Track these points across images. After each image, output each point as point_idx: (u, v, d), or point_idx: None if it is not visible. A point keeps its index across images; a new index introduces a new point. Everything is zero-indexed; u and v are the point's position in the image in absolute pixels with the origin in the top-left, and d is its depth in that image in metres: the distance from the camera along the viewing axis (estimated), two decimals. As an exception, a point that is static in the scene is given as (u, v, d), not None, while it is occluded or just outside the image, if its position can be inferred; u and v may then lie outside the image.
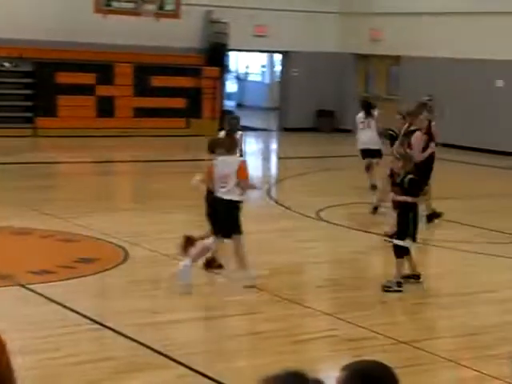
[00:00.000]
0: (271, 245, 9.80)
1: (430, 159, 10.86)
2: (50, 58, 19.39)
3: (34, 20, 19.07)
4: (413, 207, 8.10)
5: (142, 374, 5.83)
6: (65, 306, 7.17)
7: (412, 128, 10.23)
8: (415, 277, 8.25)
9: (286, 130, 22.63)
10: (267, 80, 29.56)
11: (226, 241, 8.06)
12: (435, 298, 8.20)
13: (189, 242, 8.34)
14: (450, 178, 13.98)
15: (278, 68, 25.24)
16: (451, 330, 7.07)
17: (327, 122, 22.52)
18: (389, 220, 9.23)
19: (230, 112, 12.53)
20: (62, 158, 16.69)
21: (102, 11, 19.86)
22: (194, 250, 8.07)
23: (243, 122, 24.37)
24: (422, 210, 9.57)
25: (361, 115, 13.07)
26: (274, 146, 22.42)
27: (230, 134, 9.01)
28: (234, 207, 7.97)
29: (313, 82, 22.16)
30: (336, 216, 11.47)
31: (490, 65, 18.58)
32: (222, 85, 21.79)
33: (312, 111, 22.51)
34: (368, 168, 12.98)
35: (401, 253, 8.06)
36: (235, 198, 7.99)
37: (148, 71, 20.27)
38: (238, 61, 29.64)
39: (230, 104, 25.08)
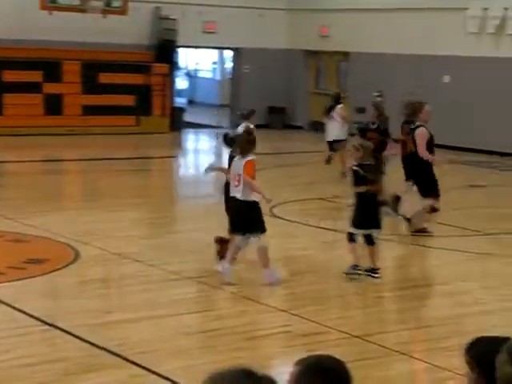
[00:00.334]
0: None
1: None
2: (-5, 55, 19.05)
3: (-22, 17, 18.70)
4: (364, 197, 8.21)
5: (94, 375, 5.75)
6: (14, 308, 7.03)
7: (417, 124, 10.22)
8: (356, 267, 8.35)
9: (237, 126, 22.56)
10: (218, 77, 29.49)
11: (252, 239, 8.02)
12: (388, 292, 8.27)
13: (222, 242, 8.40)
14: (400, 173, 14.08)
15: (229, 65, 25.19)
16: (403, 323, 7.12)
17: (278, 119, 22.57)
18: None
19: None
20: (10, 157, 16.38)
21: (47, 8, 19.54)
22: (228, 253, 8.08)
23: (194, 119, 24.38)
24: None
25: (341, 106, 14.19)
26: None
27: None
28: (246, 206, 7.91)
29: (264, 78, 22.18)
30: (289, 212, 11.47)
31: (438, 60, 18.82)
32: (172, 82, 21.65)
33: (263, 108, 22.51)
34: (329, 160, 13.32)
35: (350, 239, 8.34)
36: (247, 198, 7.91)
37: (96, 68, 20.02)
38: (188, 58, 29.50)
39: (180, 101, 24.94)
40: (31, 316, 6.82)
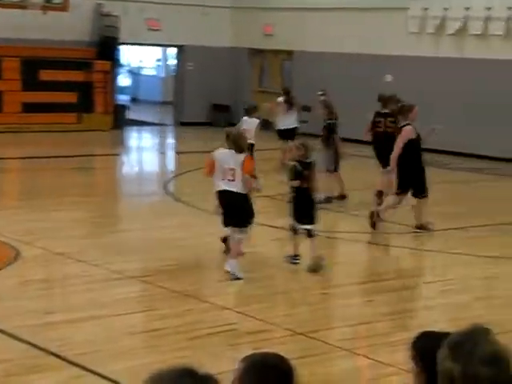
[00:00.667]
0: (169, 240, 9.69)
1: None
2: None
3: None
4: (300, 192, 8.54)
5: (36, 376, 5.64)
6: (-49, 310, 6.85)
7: (406, 122, 10.51)
8: (295, 257, 8.73)
9: (181, 124, 22.49)
10: (162, 74, 29.30)
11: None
12: (332, 288, 8.32)
13: (227, 241, 8.59)
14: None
15: (173, 62, 25.04)
16: (347, 319, 7.17)
17: (223, 117, 22.52)
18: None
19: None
20: None
21: (-14, 4, 19.14)
22: (232, 250, 8.28)
23: (138, 117, 24.18)
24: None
25: (280, 99, 15.01)
26: (169, 140, 22.24)
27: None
28: (243, 200, 8.20)
29: (208, 76, 22.11)
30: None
31: (380, 60, 19.03)
32: (114, 79, 21.43)
33: (207, 105, 22.47)
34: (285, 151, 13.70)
35: (291, 231, 8.76)
36: (243, 191, 8.18)
37: (37, 65, 19.67)
38: (131, 55, 29.24)
39: (123, 98, 24.70)
40: (-31, 318, 6.66)
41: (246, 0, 22.12)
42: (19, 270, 8.27)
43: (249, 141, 9.61)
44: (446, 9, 17.99)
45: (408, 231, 10.68)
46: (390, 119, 11.85)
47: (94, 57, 20.64)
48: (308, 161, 8.63)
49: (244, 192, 8.15)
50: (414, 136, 10.41)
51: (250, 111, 13.50)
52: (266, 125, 21.04)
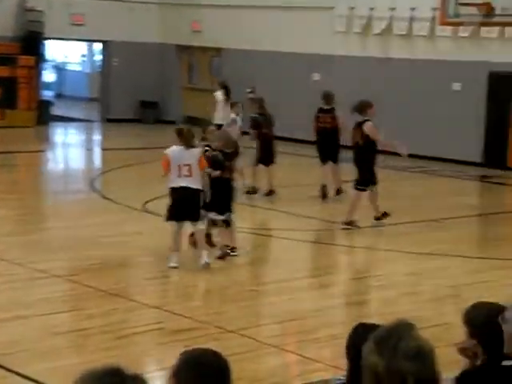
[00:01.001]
0: (95, 239, 9.52)
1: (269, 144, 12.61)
2: None
3: None
4: (218, 182, 8.70)
5: (-45, 380, 5.46)
6: None
7: (365, 118, 10.70)
8: (226, 247, 8.87)
9: (108, 120, 22.18)
10: (87, 70, 28.85)
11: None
12: (260, 286, 8.33)
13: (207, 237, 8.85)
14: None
15: (99, 58, 24.68)
16: (275, 317, 7.18)
17: (150, 113, 22.33)
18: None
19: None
20: None
21: None
22: (200, 242, 8.53)
23: (63, 113, 23.71)
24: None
25: (219, 93, 15.22)
26: (96, 137, 21.90)
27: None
28: (198, 195, 8.45)
29: (135, 72, 21.87)
30: (162, 207, 11.31)
31: (307, 58, 19.17)
32: (39, 74, 20.99)
33: (135, 102, 22.22)
34: None
35: (212, 224, 9.00)
36: (198, 186, 8.39)
37: (-42, 59, 19.10)
38: (56, 50, 28.69)
39: (48, 94, 24.21)
40: None
41: (174, -4, 21.98)
42: None
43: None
44: (371, 9, 18.24)
45: (337, 228, 10.78)
46: (330, 115, 12.51)
47: (18, 52, 20.15)
48: (228, 151, 8.82)
49: (199, 187, 8.33)
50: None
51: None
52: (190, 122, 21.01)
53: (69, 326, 6.85)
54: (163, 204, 11.66)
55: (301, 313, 7.26)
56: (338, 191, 12.56)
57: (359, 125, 10.67)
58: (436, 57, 17.33)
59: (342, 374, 3.33)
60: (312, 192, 12.80)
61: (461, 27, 16.71)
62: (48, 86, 25.22)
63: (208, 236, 8.92)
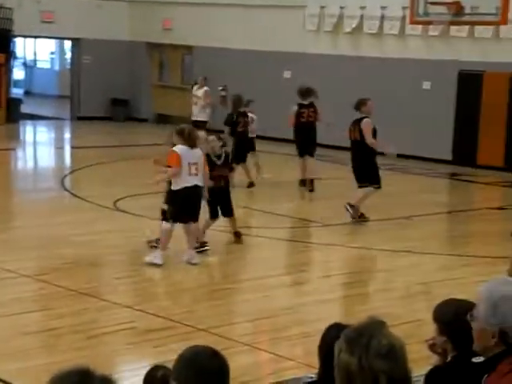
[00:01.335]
0: (66, 237, 9.44)
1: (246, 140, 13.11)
2: None
3: None
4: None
5: None
6: None
7: (362, 115, 10.82)
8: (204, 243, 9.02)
9: (79, 118, 22.01)
10: (57, 67, 28.61)
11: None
12: (232, 284, 8.31)
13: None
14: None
15: (69, 55, 24.48)
16: (248, 315, 7.18)
17: (121, 111, 22.20)
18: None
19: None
20: None
21: None
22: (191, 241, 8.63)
23: (33, 111, 23.46)
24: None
25: (200, 91, 15.47)
26: (66, 135, 21.72)
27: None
28: (201, 194, 8.59)
29: (106, 70, 21.73)
30: (133, 206, 11.29)
31: (279, 56, 19.18)
32: (8, 72, 20.76)
33: (106, 100, 22.07)
34: None
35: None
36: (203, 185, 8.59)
37: None
38: (25, 47, 28.42)
39: (17, 92, 23.97)
40: None
41: (145, -7, 21.86)
42: None
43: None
44: (342, 7, 18.29)
45: (304, 225, 10.80)
46: (311, 109, 12.94)
47: (-14, 49, 19.93)
48: (219, 153, 9.16)
49: (203, 186, 8.54)
50: (372, 127, 10.77)
51: (248, 104, 13.75)
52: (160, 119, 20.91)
53: (39, 325, 6.78)
54: (134, 202, 11.65)
55: (274, 311, 7.26)
56: (312, 182, 12.85)
57: (357, 122, 10.78)
58: (406, 55, 17.44)
59: (314, 372, 3.34)
60: (287, 190, 12.83)
61: (431, 26, 16.83)
62: (17, 83, 24.97)
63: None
